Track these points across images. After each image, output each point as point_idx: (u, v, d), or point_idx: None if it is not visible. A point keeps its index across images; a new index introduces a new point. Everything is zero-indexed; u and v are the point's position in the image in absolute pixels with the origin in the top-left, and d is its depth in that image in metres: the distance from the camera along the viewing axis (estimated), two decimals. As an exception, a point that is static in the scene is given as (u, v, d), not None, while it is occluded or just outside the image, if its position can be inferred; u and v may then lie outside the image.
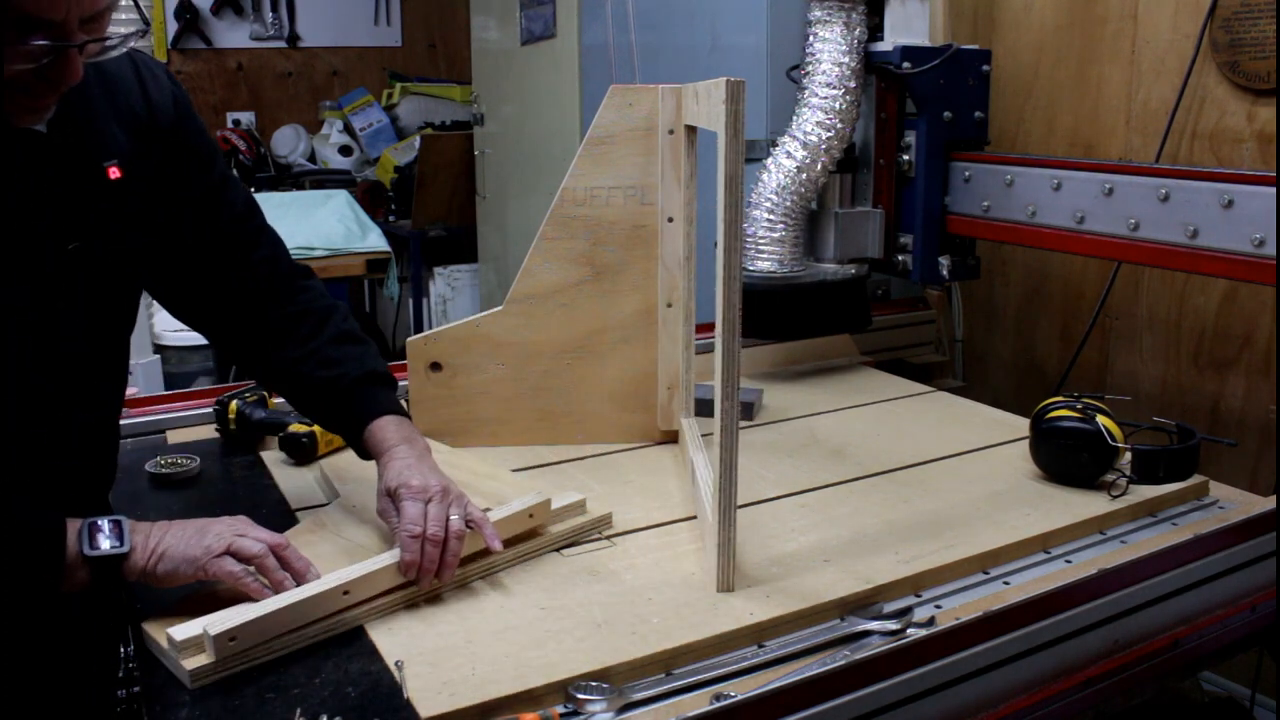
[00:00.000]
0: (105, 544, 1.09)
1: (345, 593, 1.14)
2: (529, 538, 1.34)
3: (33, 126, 1.10)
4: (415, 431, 1.37)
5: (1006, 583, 1.30)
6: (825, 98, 2.04)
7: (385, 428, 1.34)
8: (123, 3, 1.09)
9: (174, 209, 1.29)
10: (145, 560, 1.11)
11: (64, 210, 1.15)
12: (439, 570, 1.20)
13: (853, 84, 2.05)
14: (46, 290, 1.14)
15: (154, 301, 1.40)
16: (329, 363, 1.37)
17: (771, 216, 2.06)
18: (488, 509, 1.37)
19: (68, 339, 1.18)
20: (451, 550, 1.20)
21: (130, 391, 1.52)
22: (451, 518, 1.22)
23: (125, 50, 1.10)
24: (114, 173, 1.18)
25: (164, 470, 1.56)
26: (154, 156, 1.24)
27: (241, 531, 1.16)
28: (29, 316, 1.13)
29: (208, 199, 1.33)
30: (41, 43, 0.98)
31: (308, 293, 1.42)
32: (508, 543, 1.29)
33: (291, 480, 1.57)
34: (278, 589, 1.13)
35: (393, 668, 1.07)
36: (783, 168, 2.06)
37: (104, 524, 1.10)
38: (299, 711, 0.99)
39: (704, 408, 1.55)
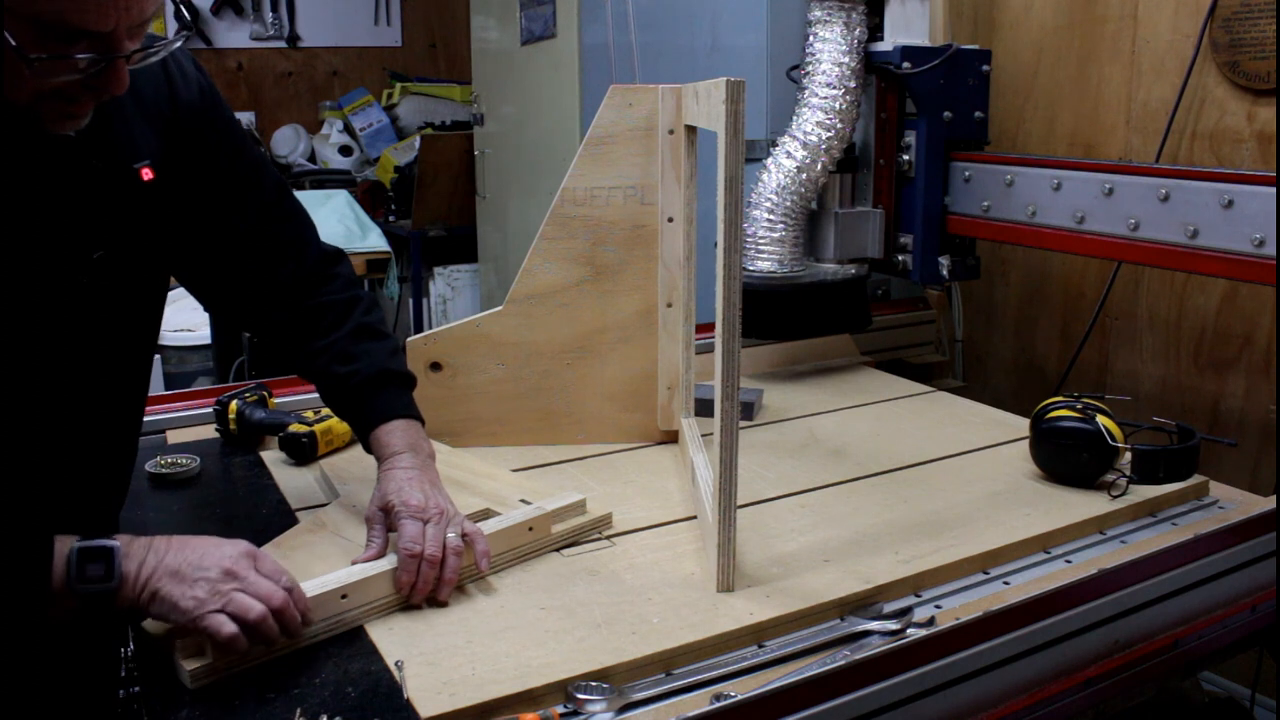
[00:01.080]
0: (94, 573, 1.02)
1: (343, 596, 1.14)
2: (542, 533, 1.34)
3: (66, 133, 1.07)
4: (421, 437, 1.36)
5: (1006, 583, 1.30)
6: (825, 98, 2.04)
7: (391, 433, 1.33)
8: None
9: (207, 201, 1.27)
10: (135, 594, 1.04)
11: (94, 217, 1.13)
12: (437, 587, 1.19)
13: (853, 84, 2.05)
14: (70, 300, 1.12)
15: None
16: (346, 358, 1.36)
17: (771, 216, 2.06)
18: (487, 510, 1.38)
19: (87, 350, 1.15)
20: (450, 567, 1.20)
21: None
22: (449, 535, 1.21)
23: (165, 54, 1.07)
24: (146, 174, 1.16)
25: (164, 470, 1.56)
26: (185, 150, 1.21)
27: (242, 579, 1.06)
28: (48, 326, 1.11)
29: (240, 187, 1.31)
30: (88, 55, 0.97)
31: (334, 281, 1.40)
32: (507, 546, 1.30)
33: (291, 480, 1.57)
34: (270, 646, 1.08)
35: (393, 668, 1.07)
36: (783, 168, 2.06)
37: (96, 547, 1.03)
38: (299, 711, 0.99)
39: (704, 408, 1.55)
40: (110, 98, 1.03)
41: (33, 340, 1.10)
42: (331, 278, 1.40)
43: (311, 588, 1.13)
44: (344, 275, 1.42)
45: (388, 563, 1.19)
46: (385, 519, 1.25)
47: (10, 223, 1.06)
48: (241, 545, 1.10)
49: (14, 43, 0.92)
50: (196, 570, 1.05)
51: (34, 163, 1.07)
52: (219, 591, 1.04)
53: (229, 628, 1.03)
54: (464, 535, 1.23)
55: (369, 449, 1.36)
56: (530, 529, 1.32)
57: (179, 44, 1.09)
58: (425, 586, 1.18)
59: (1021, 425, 1.72)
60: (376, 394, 1.36)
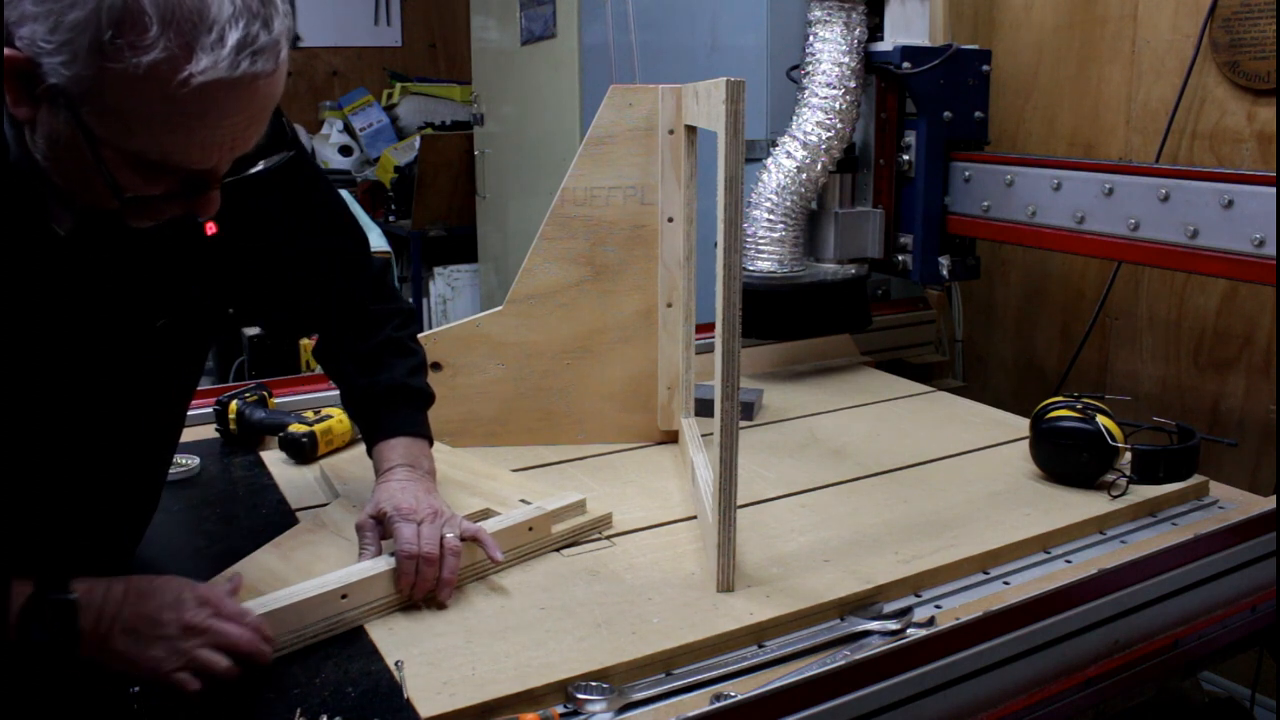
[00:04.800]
0: (47, 633, 0.98)
1: (344, 597, 1.14)
2: (542, 533, 1.34)
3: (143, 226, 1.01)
4: (424, 454, 1.35)
5: (1006, 583, 1.30)
6: (825, 98, 2.04)
7: (394, 447, 1.33)
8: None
9: (265, 237, 1.22)
10: (91, 651, 1.01)
11: (158, 284, 1.10)
12: (438, 587, 1.19)
13: (853, 84, 2.05)
14: (126, 365, 1.10)
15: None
16: (368, 369, 1.36)
17: (771, 216, 2.06)
18: (487, 509, 1.38)
19: (131, 403, 1.13)
20: (449, 567, 1.19)
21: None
22: (447, 535, 1.20)
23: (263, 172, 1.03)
24: (210, 228, 1.11)
25: (164, 470, 1.56)
26: (251, 189, 1.11)
27: (204, 631, 1.02)
28: (97, 387, 1.09)
29: (297, 214, 1.27)
30: (181, 190, 0.95)
31: (377, 291, 1.39)
32: (507, 546, 1.29)
33: (291, 480, 1.57)
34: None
35: (393, 668, 1.07)
36: (783, 168, 2.06)
37: (54, 601, 0.99)
38: (299, 711, 0.99)
39: (704, 408, 1.55)
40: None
41: (79, 397, 1.08)
42: (376, 289, 1.39)
43: (311, 588, 1.13)
44: (387, 287, 1.42)
45: (386, 562, 1.19)
46: (377, 527, 1.24)
47: (82, 299, 1.04)
48: (200, 590, 1.06)
49: (109, 180, 0.91)
50: (155, 627, 1.02)
51: (107, 238, 1.04)
52: (179, 650, 1.01)
53: (194, 684, 1.01)
54: (465, 535, 1.22)
55: (373, 462, 1.36)
56: (530, 529, 1.32)
57: (276, 163, 1.05)
58: (425, 585, 1.18)
59: (1021, 425, 1.72)
60: (388, 408, 1.36)
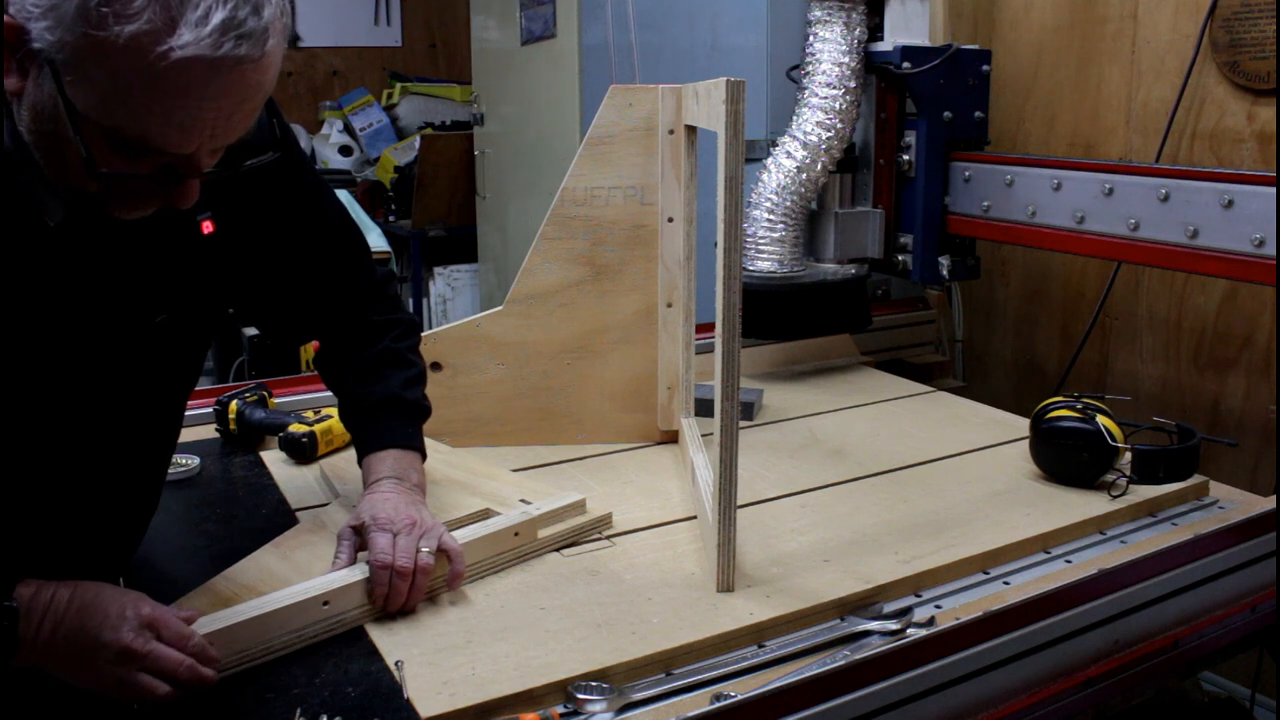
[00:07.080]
0: None
1: (325, 603, 1.13)
2: (528, 539, 1.34)
3: (129, 217, 1.01)
4: (413, 467, 1.33)
5: (1006, 583, 1.30)
6: (825, 98, 2.05)
7: (383, 460, 1.32)
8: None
9: (267, 242, 1.22)
10: (30, 659, 0.99)
11: (157, 280, 1.10)
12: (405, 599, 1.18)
13: (853, 84, 2.05)
14: (124, 361, 1.10)
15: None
16: (363, 379, 1.35)
17: (771, 216, 2.06)
18: (487, 509, 1.38)
19: (128, 401, 1.13)
20: (417, 584, 1.18)
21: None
22: (422, 550, 1.19)
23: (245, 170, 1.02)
24: (207, 227, 1.10)
25: (164, 470, 1.56)
26: (246, 196, 1.13)
27: (142, 657, 0.99)
28: (96, 384, 1.09)
29: (300, 222, 1.27)
30: (160, 172, 0.94)
31: (379, 302, 1.39)
32: (494, 551, 1.29)
33: (291, 480, 1.57)
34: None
35: (393, 668, 1.07)
36: (783, 168, 2.06)
37: None
38: (299, 711, 0.99)
39: (704, 408, 1.55)
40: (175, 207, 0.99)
41: (77, 392, 1.08)
42: (377, 299, 1.39)
43: (296, 593, 1.12)
44: (390, 297, 1.42)
45: (360, 572, 1.18)
46: (355, 537, 1.24)
47: (77, 293, 1.04)
48: (144, 611, 1.02)
49: (85, 153, 0.90)
50: (94, 647, 0.99)
51: (99, 230, 1.03)
52: (117, 675, 0.99)
53: (132, 701, 1.00)
54: (443, 549, 1.21)
55: (362, 474, 1.35)
56: (516, 533, 1.31)
57: (261, 163, 1.04)
58: (398, 599, 1.17)
59: (1021, 425, 1.72)
60: (379, 420, 1.35)
